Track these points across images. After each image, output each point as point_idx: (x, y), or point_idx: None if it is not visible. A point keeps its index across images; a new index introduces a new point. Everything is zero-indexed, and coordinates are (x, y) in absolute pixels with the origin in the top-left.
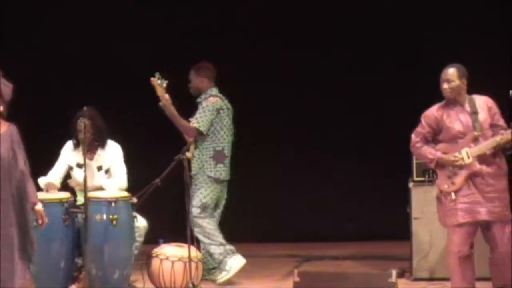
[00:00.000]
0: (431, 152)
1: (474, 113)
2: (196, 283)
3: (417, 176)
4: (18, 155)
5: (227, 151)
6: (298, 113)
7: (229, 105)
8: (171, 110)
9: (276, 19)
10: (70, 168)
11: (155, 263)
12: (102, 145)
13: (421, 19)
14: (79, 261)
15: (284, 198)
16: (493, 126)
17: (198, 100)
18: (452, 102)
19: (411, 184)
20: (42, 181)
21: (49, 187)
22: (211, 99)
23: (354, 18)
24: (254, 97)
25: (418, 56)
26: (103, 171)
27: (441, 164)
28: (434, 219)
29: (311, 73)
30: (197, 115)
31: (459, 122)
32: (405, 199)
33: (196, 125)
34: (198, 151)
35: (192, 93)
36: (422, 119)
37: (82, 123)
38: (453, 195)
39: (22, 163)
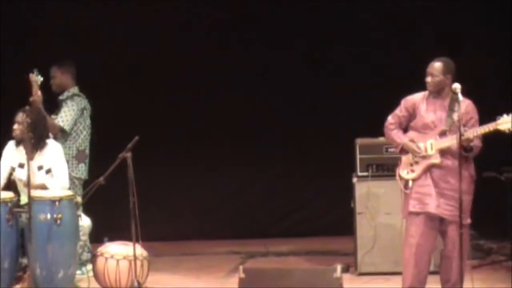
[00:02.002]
0: (399, 137)
1: (450, 109)
2: (141, 281)
3: (360, 171)
4: None
5: (88, 151)
6: (237, 108)
7: (89, 105)
8: (39, 106)
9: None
10: (13, 169)
11: (100, 261)
12: (42, 144)
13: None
14: (23, 261)
15: (226, 195)
16: None
17: (61, 98)
18: (434, 95)
19: (354, 179)
20: None
21: None
22: (76, 98)
23: None
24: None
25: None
26: (44, 170)
27: (405, 150)
28: (378, 214)
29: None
30: (62, 113)
31: (433, 114)
32: (348, 194)
33: (61, 123)
34: None
35: (55, 90)
36: (402, 102)
37: (20, 116)
38: (410, 183)
39: None
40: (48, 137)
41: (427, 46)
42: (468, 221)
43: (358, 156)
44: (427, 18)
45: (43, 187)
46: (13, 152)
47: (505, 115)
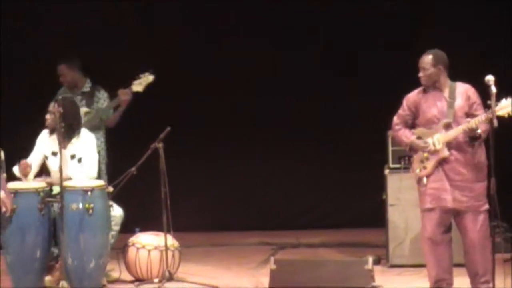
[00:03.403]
0: (406, 136)
1: (450, 99)
2: (172, 272)
3: (393, 163)
4: None
5: None
6: (269, 101)
7: None
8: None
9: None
10: (46, 158)
11: (131, 252)
12: (74, 134)
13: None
14: (55, 250)
15: (258, 186)
16: (470, 115)
17: (84, 90)
18: (432, 88)
19: (386, 171)
20: (16, 169)
21: (23, 167)
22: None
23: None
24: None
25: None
26: (76, 160)
27: (414, 148)
28: (409, 206)
29: (285, 65)
30: (103, 101)
31: (435, 107)
32: (380, 186)
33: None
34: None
35: (67, 86)
36: (404, 101)
37: (52, 106)
38: (424, 179)
39: None
40: (80, 126)
41: (452, 41)
42: (485, 207)
43: (390, 148)
44: (450, 14)
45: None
46: (46, 141)
47: (503, 100)
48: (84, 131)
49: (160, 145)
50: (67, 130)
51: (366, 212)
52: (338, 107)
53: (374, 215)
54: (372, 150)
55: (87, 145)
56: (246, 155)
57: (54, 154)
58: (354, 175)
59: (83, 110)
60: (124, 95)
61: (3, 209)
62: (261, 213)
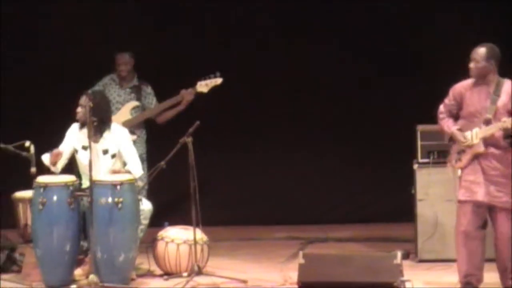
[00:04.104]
0: (448, 126)
1: (495, 96)
2: (201, 266)
3: (421, 158)
4: None
5: None
6: (299, 98)
7: None
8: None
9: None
10: (75, 151)
11: (160, 246)
12: (105, 128)
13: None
14: (84, 244)
15: (287, 181)
16: None
17: (135, 83)
18: (479, 82)
19: (415, 166)
20: (45, 157)
21: (55, 156)
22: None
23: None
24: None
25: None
26: (109, 155)
27: (454, 139)
28: (438, 200)
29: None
30: (152, 97)
31: (478, 102)
32: (409, 180)
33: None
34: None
35: (124, 76)
36: (450, 91)
37: (83, 99)
38: (459, 171)
39: None
40: (111, 120)
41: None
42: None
43: (419, 143)
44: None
45: (115, 171)
46: (77, 134)
47: None
48: (115, 126)
49: (189, 140)
50: (99, 124)
51: (395, 207)
52: (367, 101)
53: (403, 209)
54: (401, 144)
55: (121, 140)
56: (276, 149)
57: (84, 148)
58: (383, 169)
59: (132, 103)
60: (187, 96)
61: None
62: (290, 208)
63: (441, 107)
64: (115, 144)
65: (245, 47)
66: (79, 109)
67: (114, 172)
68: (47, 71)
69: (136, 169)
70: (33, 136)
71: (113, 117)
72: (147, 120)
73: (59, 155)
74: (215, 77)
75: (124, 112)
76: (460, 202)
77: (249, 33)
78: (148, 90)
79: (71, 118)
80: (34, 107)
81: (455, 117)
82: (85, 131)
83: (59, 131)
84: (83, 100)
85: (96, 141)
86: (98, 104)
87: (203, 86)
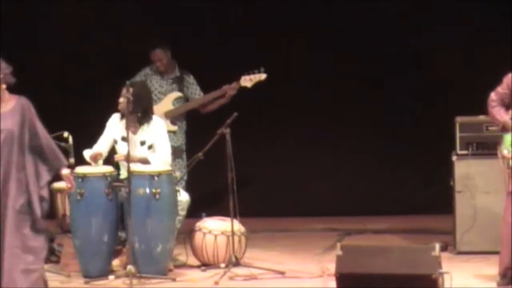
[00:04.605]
0: (500, 114)
1: None
2: (239, 256)
3: (460, 149)
4: (26, 128)
5: None
6: (336, 89)
7: None
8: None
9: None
10: (115, 142)
11: (198, 237)
12: (147, 120)
13: None
14: (122, 235)
15: (324, 172)
16: None
17: (177, 74)
18: None
19: (454, 158)
20: (87, 153)
21: (95, 157)
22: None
23: None
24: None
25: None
26: (146, 146)
27: (506, 129)
28: (477, 192)
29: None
30: (195, 86)
31: None
32: (447, 172)
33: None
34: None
35: (162, 70)
36: (504, 80)
37: (124, 90)
38: (510, 162)
39: (37, 134)
40: (152, 112)
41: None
42: None
43: (458, 134)
44: None
45: (145, 161)
46: (117, 125)
47: None
48: (154, 118)
49: (226, 131)
50: (141, 115)
51: (433, 199)
52: (406, 92)
53: (441, 201)
54: (439, 136)
55: (159, 132)
56: (313, 140)
57: (123, 139)
58: (421, 161)
59: (175, 94)
60: (230, 90)
61: (68, 185)
62: (327, 199)
63: (493, 95)
64: (152, 135)
65: (283, 40)
66: (121, 100)
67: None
68: (86, 64)
69: (158, 162)
70: (71, 127)
71: (155, 107)
72: (188, 111)
73: (99, 155)
74: (260, 72)
75: (166, 102)
76: (509, 193)
77: (292, 27)
78: (190, 80)
79: (111, 109)
80: (72, 96)
81: (507, 106)
82: (125, 122)
83: (98, 122)
84: (125, 91)
85: (135, 132)
86: (138, 95)
87: (247, 81)
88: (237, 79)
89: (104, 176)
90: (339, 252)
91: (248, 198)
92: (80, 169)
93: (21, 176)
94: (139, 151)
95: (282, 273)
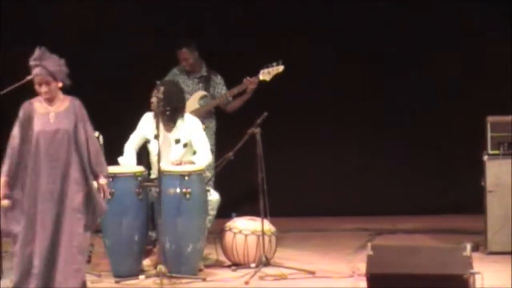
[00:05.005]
0: None
1: None
2: (269, 256)
3: (492, 149)
4: (80, 128)
5: None
6: (365, 89)
7: None
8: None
9: None
10: (147, 141)
11: (228, 236)
12: (178, 118)
13: None
14: (153, 234)
15: (354, 171)
16: None
17: (204, 74)
18: None
19: (485, 157)
20: (121, 161)
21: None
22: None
23: None
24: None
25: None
26: (181, 144)
27: None
28: (509, 192)
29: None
30: (222, 86)
31: None
32: (478, 172)
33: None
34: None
35: (188, 70)
36: None
37: (156, 89)
38: None
39: (86, 136)
40: (184, 110)
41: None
42: None
43: (489, 134)
44: None
45: (185, 162)
46: (150, 124)
47: None
48: (188, 116)
49: (257, 130)
50: (172, 114)
51: (464, 198)
52: (435, 91)
53: (472, 201)
54: (470, 135)
55: (194, 130)
56: (343, 140)
57: (156, 137)
58: (452, 161)
59: (200, 93)
60: (251, 84)
61: (102, 195)
62: (357, 199)
63: None
64: (187, 133)
65: (314, 38)
66: (153, 99)
67: (176, 162)
68: (118, 63)
69: (202, 159)
70: (102, 127)
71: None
72: (217, 110)
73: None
74: (278, 64)
75: (191, 102)
76: None
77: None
78: (217, 80)
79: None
80: (103, 98)
81: None
82: (156, 121)
83: (129, 122)
84: (156, 90)
85: (169, 131)
86: (169, 94)
87: (266, 74)
88: (256, 73)
89: (134, 175)
90: (370, 252)
91: (279, 198)
92: (111, 169)
93: (78, 175)
94: (173, 150)
95: (312, 273)
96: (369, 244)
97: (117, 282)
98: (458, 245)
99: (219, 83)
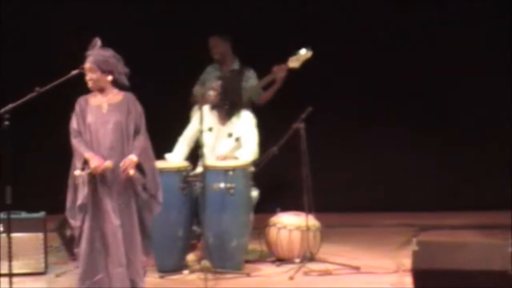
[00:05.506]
0: None
1: None
2: (314, 251)
3: None
4: (131, 122)
5: None
6: (415, 84)
7: None
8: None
9: None
10: (200, 132)
11: (272, 232)
12: (235, 112)
13: None
14: (197, 229)
15: (399, 167)
16: None
17: (235, 67)
18: None
19: None
20: (169, 157)
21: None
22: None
23: None
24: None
25: None
26: (233, 138)
27: None
28: None
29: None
30: (255, 81)
31: None
32: None
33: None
34: None
35: (217, 60)
36: None
37: (215, 83)
38: None
39: (136, 130)
40: (242, 104)
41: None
42: None
43: None
44: None
45: (230, 157)
46: (206, 116)
47: None
48: (244, 111)
49: (301, 126)
50: (230, 108)
51: (509, 194)
52: (483, 86)
53: None
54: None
55: (246, 125)
56: (388, 135)
57: (210, 130)
58: (497, 156)
59: None
60: (280, 72)
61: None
62: (402, 194)
63: None
64: (240, 128)
65: (359, 33)
66: (211, 92)
67: (221, 157)
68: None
69: (247, 154)
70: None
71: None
72: (254, 107)
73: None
74: (306, 51)
75: None
76: None
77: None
78: (250, 74)
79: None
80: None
81: None
82: (214, 112)
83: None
84: (215, 83)
85: (223, 124)
86: (228, 88)
87: (294, 61)
88: (285, 61)
89: (178, 170)
90: (415, 248)
91: (324, 193)
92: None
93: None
94: (225, 143)
95: (357, 268)
96: (414, 240)
97: (161, 277)
98: (504, 241)
99: (251, 77)
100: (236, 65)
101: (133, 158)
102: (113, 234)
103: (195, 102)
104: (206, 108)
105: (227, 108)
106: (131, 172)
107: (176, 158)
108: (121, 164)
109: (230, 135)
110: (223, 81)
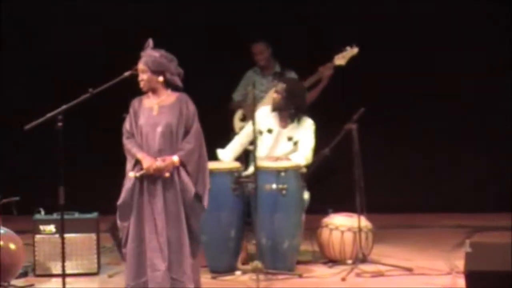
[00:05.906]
0: None
1: None
2: (366, 253)
3: None
4: (181, 123)
5: None
6: (459, 85)
7: None
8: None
9: None
10: (259, 133)
11: (324, 233)
12: (299, 117)
13: None
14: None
15: (453, 168)
16: None
17: (277, 70)
18: None
19: None
20: (220, 153)
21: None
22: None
23: None
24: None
25: None
26: (292, 142)
27: None
28: None
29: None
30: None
31: None
32: None
33: None
34: None
35: (262, 65)
36: None
37: (280, 85)
38: None
39: (186, 131)
40: (306, 111)
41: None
42: None
43: None
44: None
45: (282, 158)
46: (265, 117)
47: None
48: (306, 117)
49: (354, 126)
50: (295, 112)
51: None
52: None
53: None
54: None
55: (307, 131)
56: (442, 135)
57: (269, 131)
58: None
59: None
60: (326, 70)
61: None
62: (457, 195)
63: None
64: (300, 133)
65: (408, 31)
66: (275, 95)
67: (273, 158)
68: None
69: (299, 157)
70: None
71: (258, 105)
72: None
73: None
74: (352, 47)
75: (267, 100)
76: None
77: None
78: (291, 75)
79: None
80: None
81: None
82: (276, 115)
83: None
84: (280, 86)
85: (284, 127)
86: (291, 92)
87: (340, 59)
88: (331, 59)
89: (230, 171)
90: (469, 249)
91: (376, 193)
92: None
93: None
94: (284, 146)
95: (409, 270)
96: (467, 241)
97: (213, 277)
98: None
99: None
100: (277, 68)
101: (174, 159)
102: (155, 236)
103: (236, 108)
104: (263, 110)
105: (292, 112)
106: (167, 174)
107: (227, 154)
108: (159, 163)
109: (290, 138)
110: (288, 85)
